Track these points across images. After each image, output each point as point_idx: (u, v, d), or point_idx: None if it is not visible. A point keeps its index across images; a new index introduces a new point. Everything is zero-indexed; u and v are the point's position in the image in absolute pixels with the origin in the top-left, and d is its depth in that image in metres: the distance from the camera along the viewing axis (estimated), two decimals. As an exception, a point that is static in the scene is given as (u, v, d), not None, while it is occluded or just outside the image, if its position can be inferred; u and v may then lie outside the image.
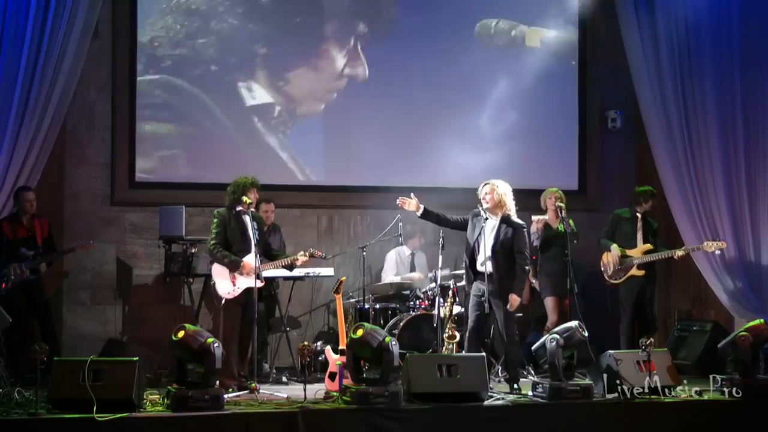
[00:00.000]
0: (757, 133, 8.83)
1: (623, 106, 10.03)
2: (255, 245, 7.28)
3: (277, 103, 9.48)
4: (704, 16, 8.98)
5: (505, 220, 7.29)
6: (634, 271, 8.44)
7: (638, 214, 8.59)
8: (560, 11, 9.99)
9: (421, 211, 7.43)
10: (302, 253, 7.55)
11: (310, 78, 9.57)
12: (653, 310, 8.90)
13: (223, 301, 7.29)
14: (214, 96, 9.33)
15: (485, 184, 7.37)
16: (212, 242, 7.33)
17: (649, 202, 8.63)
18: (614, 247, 8.46)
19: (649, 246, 8.47)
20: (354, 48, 9.64)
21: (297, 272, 8.17)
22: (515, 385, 7.16)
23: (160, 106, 9.25)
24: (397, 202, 7.48)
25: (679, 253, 8.41)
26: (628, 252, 8.47)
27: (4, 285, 7.68)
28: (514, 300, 7.24)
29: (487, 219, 7.27)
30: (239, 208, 7.35)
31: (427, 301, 8.38)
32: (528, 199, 8.53)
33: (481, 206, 7.33)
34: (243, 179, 7.38)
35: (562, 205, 8.23)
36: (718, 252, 8.47)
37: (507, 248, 7.26)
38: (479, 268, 7.28)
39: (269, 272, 7.60)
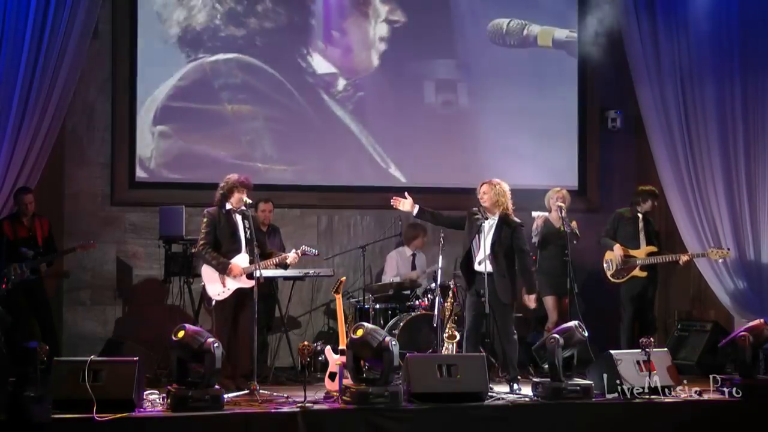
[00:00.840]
0: (757, 133, 8.84)
1: (623, 106, 10.03)
2: (246, 245, 7.26)
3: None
4: (704, 17, 8.98)
5: (504, 219, 7.30)
6: (636, 272, 8.42)
7: (639, 215, 8.57)
8: (561, 11, 10.00)
9: (416, 210, 7.44)
10: (294, 251, 7.55)
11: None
12: (654, 310, 8.89)
13: (213, 303, 7.26)
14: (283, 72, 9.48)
15: (483, 184, 7.39)
16: (201, 243, 7.27)
17: (648, 202, 8.60)
18: (617, 246, 8.43)
19: (653, 248, 8.45)
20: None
21: (297, 272, 8.18)
22: (515, 385, 7.16)
23: (239, 86, 9.35)
24: (392, 201, 7.49)
25: (684, 258, 8.40)
26: (632, 252, 8.46)
27: (4, 285, 7.68)
28: (532, 300, 7.40)
29: (486, 218, 7.28)
30: (229, 207, 7.32)
31: (427, 301, 8.38)
32: (528, 199, 8.52)
33: (479, 206, 7.34)
34: (232, 177, 7.35)
35: (562, 205, 8.23)
36: (721, 260, 8.47)
37: (506, 247, 7.27)
38: (477, 267, 7.29)
39: (268, 272, 7.59)
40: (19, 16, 7.91)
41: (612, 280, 8.52)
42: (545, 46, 10.01)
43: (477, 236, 7.29)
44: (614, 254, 8.43)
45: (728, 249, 8.44)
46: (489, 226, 7.29)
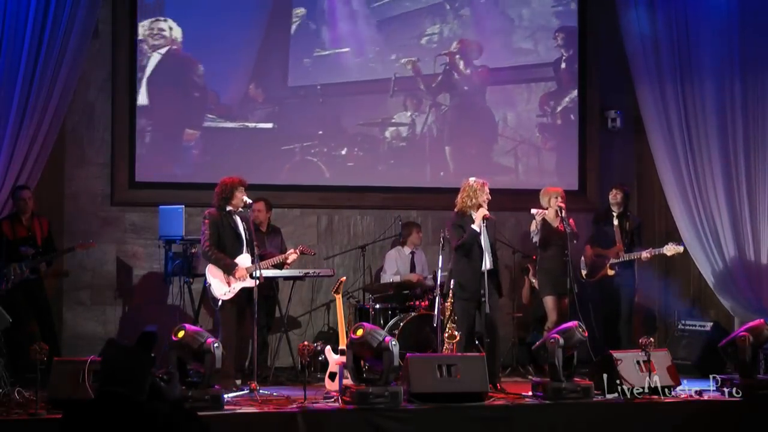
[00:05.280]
0: (757, 132, 8.83)
1: (623, 106, 10.02)
2: (246, 245, 7.27)
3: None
4: (704, 16, 8.97)
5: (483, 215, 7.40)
6: (606, 271, 8.56)
7: (614, 213, 8.70)
8: (561, 10, 10.02)
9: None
10: (292, 251, 7.55)
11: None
12: (631, 307, 8.86)
13: (220, 303, 7.27)
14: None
15: (482, 184, 7.43)
16: (207, 244, 7.26)
17: (617, 197, 8.69)
18: (587, 247, 8.69)
19: (620, 247, 8.55)
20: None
21: (297, 272, 8.18)
22: (498, 385, 7.17)
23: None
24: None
25: (645, 255, 8.46)
26: (604, 252, 8.61)
27: (4, 285, 7.68)
28: None
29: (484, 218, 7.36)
30: (229, 208, 7.32)
31: (427, 301, 8.38)
32: (528, 200, 8.52)
33: (468, 207, 7.43)
34: (230, 179, 7.35)
35: (563, 206, 8.23)
36: (673, 254, 8.56)
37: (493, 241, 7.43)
38: (482, 267, 7.34)
39: (269, 272, 7.59)
40: (19, 16, 7.90)
41: (586, 279, 8.72)
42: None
43: (480, 236, 7.37)
44: (585, 254, 8.67)
45: (682, 246, 8.51)
46: (478, 225, 7.38)
